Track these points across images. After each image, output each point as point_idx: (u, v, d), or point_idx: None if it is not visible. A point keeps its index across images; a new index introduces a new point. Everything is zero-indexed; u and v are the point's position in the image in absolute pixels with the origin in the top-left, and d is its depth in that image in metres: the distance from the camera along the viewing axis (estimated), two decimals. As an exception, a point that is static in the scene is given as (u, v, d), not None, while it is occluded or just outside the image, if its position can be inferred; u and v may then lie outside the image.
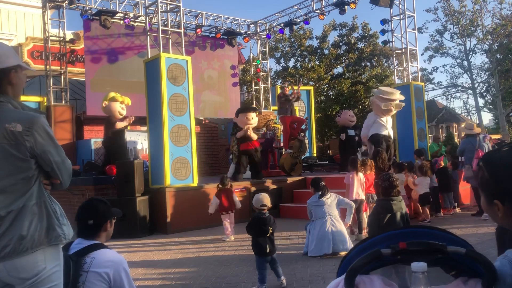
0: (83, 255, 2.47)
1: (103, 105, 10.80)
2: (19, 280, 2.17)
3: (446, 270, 1.27)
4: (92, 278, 2.40)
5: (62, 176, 2.33)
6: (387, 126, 9.86)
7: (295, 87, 13.02)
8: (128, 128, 11.76)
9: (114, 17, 13.50)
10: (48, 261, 2.22)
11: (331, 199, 6.52)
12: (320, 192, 6.47)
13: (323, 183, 6.57)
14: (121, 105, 10.84)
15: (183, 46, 10.46)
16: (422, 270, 1.10)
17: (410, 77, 13.14)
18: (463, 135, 10.90)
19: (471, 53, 32.81)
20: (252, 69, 18.55)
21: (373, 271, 1.27)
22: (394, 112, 9.93)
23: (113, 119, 10.68)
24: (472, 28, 31.14)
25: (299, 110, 15.76)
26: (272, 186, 10.59)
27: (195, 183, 9.64)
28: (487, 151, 9.25)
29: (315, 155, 16.50)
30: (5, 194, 2.15)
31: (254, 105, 16.75)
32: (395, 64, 14.44)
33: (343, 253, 6.22)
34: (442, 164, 10.52)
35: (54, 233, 2.24)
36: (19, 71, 2.31)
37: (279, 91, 13.52)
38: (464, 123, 21.25)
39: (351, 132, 11.54)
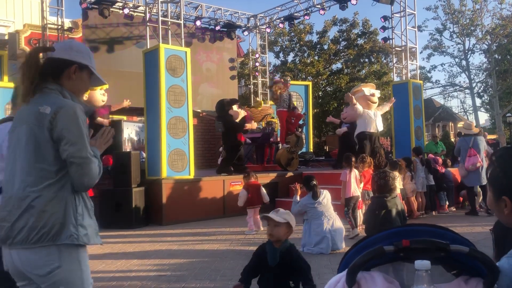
0: None
1: (84, 98, 9.68)
2: (35, 277, 2.06)
3: (447, 268, 1.26)
4: None
5: (75, 172, 2.09)
6: (375, 120, 9.70)
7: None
8: (125, 118, 11.63)
9: (113, 6, 13.41)
10: (64, 261, 2.07)
11: (327, 197, 6.25)
12: (311, 192, 6.18)
13: (314, 182, 6.21)
14: (101, 91, 9.90)
15: (183, 37, 10.41)
16: (425, 268, 1.09)
17: (409, 75, 13.14)
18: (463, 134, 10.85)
19: (469, 52, 32.86)
20: (251, 63, 18.48)
21: (374, 268, 1.27)
22: (378, 94, 9.72)
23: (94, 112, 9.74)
24: (472, 28, 31.15)
25: (297, 105, 15.72)
26: (268, 181, 10.60)
27: (191, 175, 9.63)
28: (482, 150, 9.30)
29: (311, 150, 16.50)
30: (27, 178, 2.05)
31: (256, 99, 16.75)
32: (394, 62, 14.42)
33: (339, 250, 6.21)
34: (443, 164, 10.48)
35: (67, 232, 2.06)
36: (85, 72, 2.26)
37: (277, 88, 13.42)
38: (462, 123, 21.22)
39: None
